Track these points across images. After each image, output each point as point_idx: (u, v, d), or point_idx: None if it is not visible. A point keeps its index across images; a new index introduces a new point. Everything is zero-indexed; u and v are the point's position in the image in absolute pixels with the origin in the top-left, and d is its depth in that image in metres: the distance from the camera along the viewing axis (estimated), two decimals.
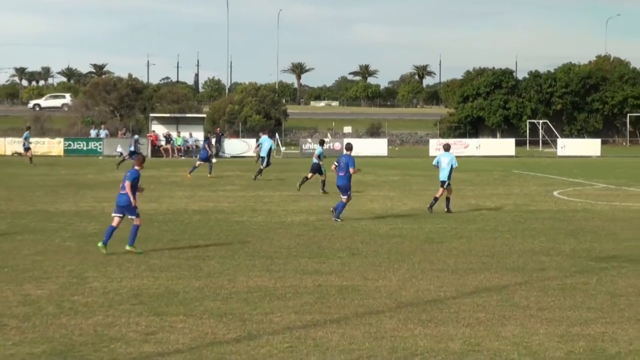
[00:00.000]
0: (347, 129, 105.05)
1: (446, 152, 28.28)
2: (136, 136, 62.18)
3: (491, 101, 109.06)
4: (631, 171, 52.84)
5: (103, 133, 77.23)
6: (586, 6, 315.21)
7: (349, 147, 26.59)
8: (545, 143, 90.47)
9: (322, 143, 39.45)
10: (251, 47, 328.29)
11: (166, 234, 22.39)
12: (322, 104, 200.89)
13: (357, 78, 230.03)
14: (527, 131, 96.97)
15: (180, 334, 11.97)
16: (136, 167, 20.03)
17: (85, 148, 73.99)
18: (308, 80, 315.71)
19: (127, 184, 19.44)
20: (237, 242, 20.88)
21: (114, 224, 19.25)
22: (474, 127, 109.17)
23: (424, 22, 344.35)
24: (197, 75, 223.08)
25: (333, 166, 26.33)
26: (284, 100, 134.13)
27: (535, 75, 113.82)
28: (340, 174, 25.59)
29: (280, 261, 18.00)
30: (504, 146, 77.92)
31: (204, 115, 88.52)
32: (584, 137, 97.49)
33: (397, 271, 16.88)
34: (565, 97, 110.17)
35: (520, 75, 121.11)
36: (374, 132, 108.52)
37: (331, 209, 25.75)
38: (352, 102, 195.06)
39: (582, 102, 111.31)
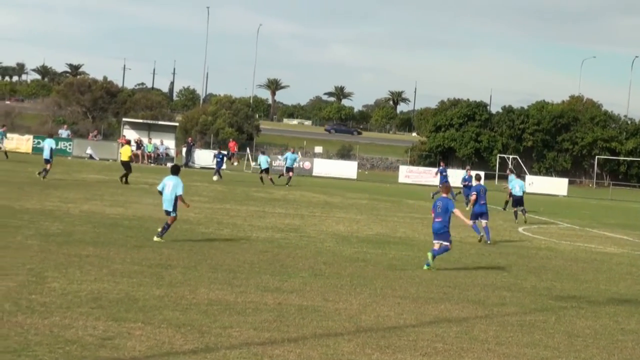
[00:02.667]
0: (318, 149, 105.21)
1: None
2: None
3: (463, 132, 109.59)
4: (596, 213, 53.23)
5: (65, 133, 76.71)
6: (563, 46, 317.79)
7: (478, 177, 23.83)
8: (501, 177, 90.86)
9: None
10: (228, 60, 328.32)
11: (130, 239, 22.25)
12: (295, 122, 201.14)
13: (332, 99, 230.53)
14: (497, 165, 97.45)
15: (137, 341, 11.89)
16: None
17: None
18: (283, 97, 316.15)
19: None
20: (201, 253, 20.80)
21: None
22: (444, 157, 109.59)
23: (402, 48, 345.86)
24: (172, 83, 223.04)
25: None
26: (257, 115, 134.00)
27: (508, 111, 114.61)
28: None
29: (243, 276, 17.94)
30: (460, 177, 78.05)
31: (177, 124, 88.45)
32: (552, 176, 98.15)
33: (359, 295, 16.86)
34: (537, 135, 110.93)
35: (494, 109, 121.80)
36: (344, 154, 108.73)
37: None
38: (324, 123, 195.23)
39: (553, 141, 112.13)
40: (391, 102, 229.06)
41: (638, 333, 15.40)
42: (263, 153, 56.53)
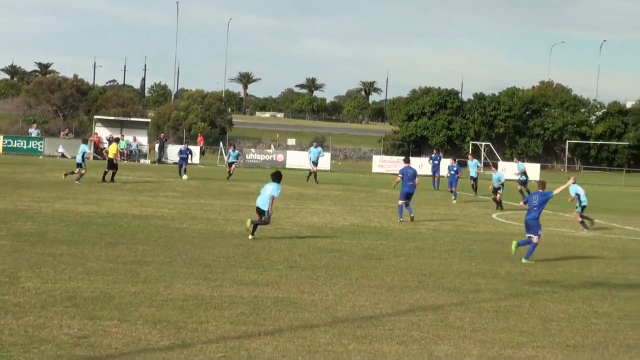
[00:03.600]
0: (292, 142, 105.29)
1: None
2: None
3: (436, 121, 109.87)
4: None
5: (35, 133, 76.38)
6: (532, 32, 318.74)
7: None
8: (486, 166, 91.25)
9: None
10: (200, 55, 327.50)
11: (105, 237, 22.19)
12: (267, 115, 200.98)
13: (304, 91, 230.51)
14: (470, 152, 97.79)
15: (113, 339, 11.87)
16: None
17: (25, 147, 73.09)
18: (255, 90, 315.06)
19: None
20: (176, 249, 20.77)
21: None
22: (417, 146, 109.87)
23: (373, 38, 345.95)
24: (144, 79, 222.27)
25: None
26: (229, 110, 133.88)
27: (480, 98, 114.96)
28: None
29: (218, 270, 17.94)
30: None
31: (149, 120, 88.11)
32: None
33: (334, 286, 16.90)
34: (509, 121, 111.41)
35: (466, 96, 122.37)
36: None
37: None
38: (297, 115, 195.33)
39: (524, 127, 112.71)
40: (363, 93, 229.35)
41: (611, 316, 15.53)
42: (234, 148, 55.66)
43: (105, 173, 43.09)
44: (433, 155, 55.99)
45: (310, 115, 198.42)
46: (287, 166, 74.66)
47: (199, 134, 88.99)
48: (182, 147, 55.51)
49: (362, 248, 23.07)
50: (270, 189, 23.97)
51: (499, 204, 39.44)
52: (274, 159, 76.82)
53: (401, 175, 31.85)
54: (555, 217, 37.21)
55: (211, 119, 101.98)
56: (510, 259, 22.46)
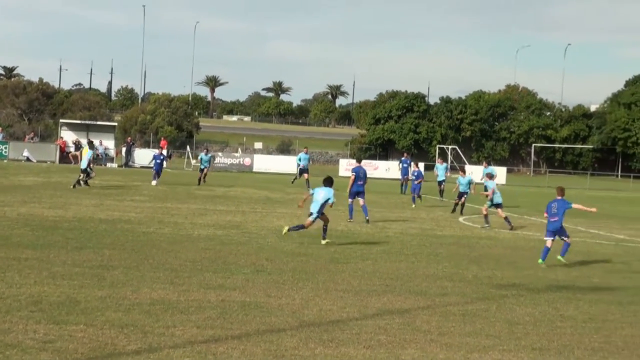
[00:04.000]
0: (258, 145, 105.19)
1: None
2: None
3: (402, 124, 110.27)
4: (534, 200, 53.79)
5: None
6: (498, 35, 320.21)
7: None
8: (453, 169, 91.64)
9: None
10: (166, 58, 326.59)
11: (71, 241, 22.07)
12: (234, 118, 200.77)
13: (270, 94, 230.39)
14: (437, 156, 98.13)
15: (79, 343, 11.81)
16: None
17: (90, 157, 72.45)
18: (222, 94, 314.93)
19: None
20: (143, 253, 20.70)
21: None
22: (384, 150, 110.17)
23: (339, 41, 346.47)
24: (110, 83, 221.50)
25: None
26: (196, 113, 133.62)
27: (446, 101, 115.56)
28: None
29: (185, 274, 17.90)
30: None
31: (115, 124, 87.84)
32: (490, 165, 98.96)
33: (301, 290, 16.91)
34: (475, 124, 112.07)
35: (432, 100, 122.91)
36: (284, 149, 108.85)
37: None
38: (264, 118, 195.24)
39: (491, 130, 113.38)
40: (330, 96, 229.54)
41: (576, 319, 15.63)
42: (207, 151, 54.88)
43: (79, 180, 43.03)
44: (402, 159, 55.93)
45: (276, 118, 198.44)
46: (254, 169, 74.64)
47: (162, 138, 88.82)
48: (155, 152, 53.53)
49: (328, 252, 23.09)
50: (322, 194, 24.91)
51: (457, 207, 38.90)
52: (241, 162, 76.75)
53: (354, 174, 32.80)
54: (522, 220, 37.40)
55: (178, 123, 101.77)
56: (477, 262, 22.57)
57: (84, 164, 42.78)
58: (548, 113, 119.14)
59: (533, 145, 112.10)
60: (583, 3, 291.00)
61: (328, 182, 25.42)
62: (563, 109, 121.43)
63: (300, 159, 54.34)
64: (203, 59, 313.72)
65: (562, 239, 23.40)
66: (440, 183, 47.77)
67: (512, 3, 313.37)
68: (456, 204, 38.94)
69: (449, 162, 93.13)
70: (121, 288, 15.93)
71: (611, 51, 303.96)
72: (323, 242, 24.50)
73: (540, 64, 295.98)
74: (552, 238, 23.33)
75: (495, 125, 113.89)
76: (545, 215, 23.86)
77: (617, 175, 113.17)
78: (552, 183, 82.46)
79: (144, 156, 73.44)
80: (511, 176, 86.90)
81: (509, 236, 30.19)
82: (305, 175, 52.42)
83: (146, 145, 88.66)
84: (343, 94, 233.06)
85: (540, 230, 32.76)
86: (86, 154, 43.52)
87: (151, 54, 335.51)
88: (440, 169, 48.62)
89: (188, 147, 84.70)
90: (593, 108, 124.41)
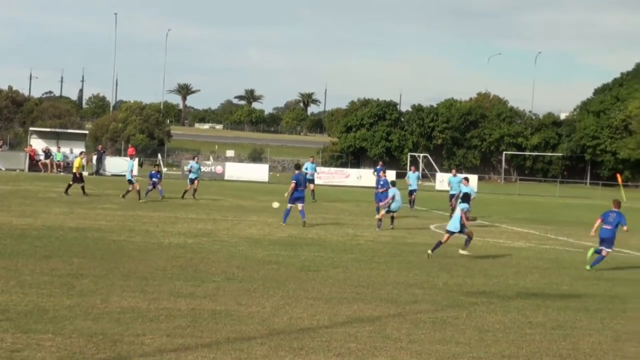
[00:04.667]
0: (230, 153, 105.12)
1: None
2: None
3: (374, 132, 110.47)
4: (504, 208, 54.02)
5: None
6: (470, 44, 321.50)
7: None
8: (425, 177, 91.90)
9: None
10: (138, 66, 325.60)
11: (39, 249, 21.95)
12: (206, 126, 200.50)
13: (242, 102, 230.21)
14: (408, 164, 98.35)
15: (47, 352, 11.75)
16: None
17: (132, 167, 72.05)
18: (193, 102, 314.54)
19: None
20: (113, 261, 20.62)
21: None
22: (356, 158, 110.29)
23: (311, 49, 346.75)
24: (81, 91, 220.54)
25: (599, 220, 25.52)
26: (168, 121, 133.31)
27: (418, 109, 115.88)
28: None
29: (155, 283, 17.85)
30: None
31: (86, 132, 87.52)
32: (462, 173, 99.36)
33: (271, 298, 16.90)
34: (446, 132, 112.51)
35: (404, 108, 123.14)
36: (256, 157, 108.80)
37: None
38: (236, 126, 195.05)
39: (462, 138, 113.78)
40: (302, 104, 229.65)
41: (545, 326, 15.70)
42: (197, 160, 51.70)
43: (69, 186, 43.00)
44: (377, 167, 55.55)
45: (248, 126, 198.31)
46: (226, 177, 74.50)
47: (130, 146, 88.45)
48: (152, 170, 47.55)
49: (299, 260, 23.09)
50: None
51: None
52: (213, 170, 76.58)
53: (295, 181, 33.59)
54: (492, 227, 37.55)
55: (149, 130, 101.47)
56: (448, 270, 22.63)
57: (128, 175, 43.94)
58: (519, 121, 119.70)
59: (504, 153, 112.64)
60: (553, 12, 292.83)
61: (465, 198, 26.90)
62: (533, 117, 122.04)
63: (307, 168, 50.81)
64: (175, 67, 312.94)
65: (601, 248, 24.90)
66: (411, 192, 47.00)
67: (483, 12, 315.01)
68: (453, 208, 37.98)
69: (421, 169, 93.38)
70: (90, 297, 15.86)
71: (581, 59, 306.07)
72: (460, 251, 26.28)
73: (512, 72, 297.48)
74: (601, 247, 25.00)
75: (467, 133, 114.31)
76: (600, 221, 25.36)
77: (586, 183, 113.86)
78: (522, 191, 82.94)
79: (115, 164, 73.10)
80: (482, 184, 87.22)
81: (479, 244, 30.26)
82: (312, 186, 49.64)
83: (117, 153, 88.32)
84: (315, 102, 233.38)
85: (510, 238, 32.96)
86: (127, 164, 45.11)
87: (123, 62, 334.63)
88: (412, 177, 48.06)
89: (159, 155, 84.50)
90: (563, 116, 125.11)
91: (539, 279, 22.15)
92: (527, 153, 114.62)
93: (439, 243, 25.58)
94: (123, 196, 42.25)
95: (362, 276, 20.67)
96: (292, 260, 22.81)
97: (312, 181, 50.35)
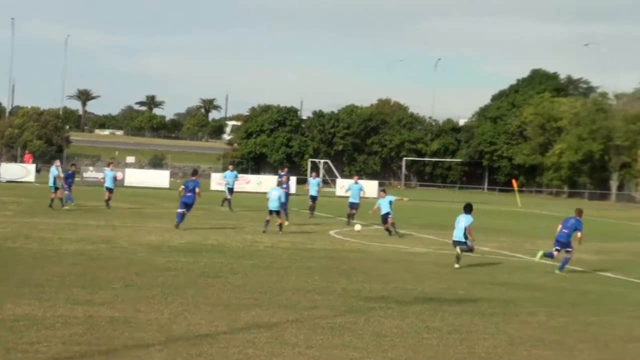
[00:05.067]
0: (130, 159, 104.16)
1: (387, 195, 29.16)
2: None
3: (275, 138, 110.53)
4: (404, 214, 54.48)
5: None
6: (371, 50, 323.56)
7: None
8: (325, 182, 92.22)
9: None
10: (36, 71, 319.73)
11: None
12: (106, 132, 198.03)
13: (143, 108, 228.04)
14: (309, 170, 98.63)
15: None
16: None
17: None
18: (94, 107, 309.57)
19: None
20: (7, 268, 20.30)
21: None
22: (256, 163, 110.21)
23: (213, 56, 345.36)
24: None
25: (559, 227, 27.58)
26: (67, 127, 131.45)
27: (319, 115, 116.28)
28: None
29: (52, 290, 17.62)
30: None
31: None
32: (362, 179, 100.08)
33: (170, 304, 16.82)
34: (347, 138, 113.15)
35: (305, 114, 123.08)
36: (156, 163, 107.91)
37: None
38: (137, 132, 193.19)
39: (363, 144, 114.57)
40: (203, 110, 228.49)
41: (441, 330, 15.94)
42: (232, 167, 51.29)
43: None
44: (281, 173, 55.37)
45: (149, 132, 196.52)
46: (126, 184, 73.71)
47: (27, 152, 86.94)
48: (69, 170, 46.11)
49: (198, 266, 23.02)
50: (463, 221, 26.93)
51: (391, 228, 36.74)
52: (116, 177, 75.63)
53: (184, 187, 34.86)
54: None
55: (47, 136, 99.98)
56: (347, 275, 22.79)
57: (110, 184, 44.33)
58: (419, 127, 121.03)
59: (404, 159, 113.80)
60: (454, 19, 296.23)
61: (468, 209, 27.89)
62: (433, 123, 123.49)
63: (225, 177, 50.69)
64: (75, 73, 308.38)
65: (567, 251, 26.83)
66: (312, 198, 46.58)
67: (384, 18, 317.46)
68: (387, 229, 36.67)
69: (321, 175, 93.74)
70: None
71: (479, 66, 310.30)
72: (457, 266, 26.41)
73: (413, 78, 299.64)
74: (558, 249, 26.92)
75: (367, 140, 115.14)
76: (560, 226, 27.36)
77: (484, 188, 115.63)
78: (422, 196, 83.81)
79: (11, 171, 71.78)
80: None
81: (379, 249, 30.56)
82: (311, 203, 47.00)
83: (13, 159, 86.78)
84: (216, 107, 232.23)
85: (409, 244, 33.33)
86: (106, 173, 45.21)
87: (20, 67, 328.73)
88: (312, 183, 47.85)
89: (58, 161, 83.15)
90: (462, 122, 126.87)
91: (437, 284, 22.45)
92: (427, 159, 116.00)
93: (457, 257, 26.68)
94: (51, 205, 41.28)
95: (261, 282, 20.70)
96: (191, 267, 22.73)
97: (231, 190, 48.80)
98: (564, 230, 27.08)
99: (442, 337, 15.37)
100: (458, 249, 26.63)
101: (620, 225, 54.03)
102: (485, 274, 25.30)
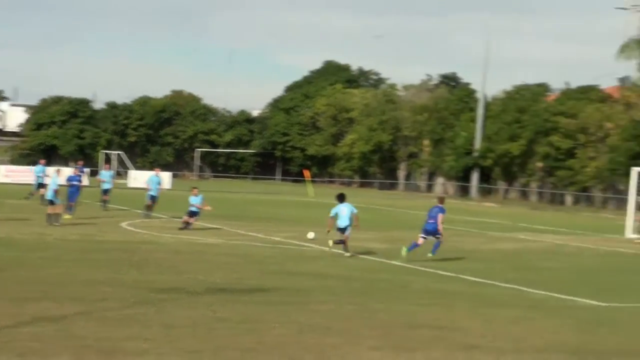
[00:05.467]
0: None
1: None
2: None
3: (66, 130, 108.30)
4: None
5: None
6: (165, 41, 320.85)
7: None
8: (119, 174, 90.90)
9: None
10: None
11: None
12: None
13: None
14: (102, 161, 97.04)
15: None
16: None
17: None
18: None
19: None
20: None
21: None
22: (47, 156, 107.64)
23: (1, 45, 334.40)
24: None
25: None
26: None
27: (112, 107, 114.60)
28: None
29: None
30: (67, 176, 76.91)
31: None
32: (157, 169, 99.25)
33: None
34: (140, 130, 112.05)
35: (99, 105, 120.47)
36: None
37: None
38: None
39: (156, 135, 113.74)
40: None
41: (232, 320, 16.03)
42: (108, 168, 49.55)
43: None
44: (78, 166, 53.94)
45: None
46: None
47: None
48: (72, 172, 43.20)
49: None
50: (345, 211, 28.51)
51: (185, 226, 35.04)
52: None
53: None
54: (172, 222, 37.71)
55: None
56: (138, 267, 22.63)
57: (107, 185, 44.67)
58: (213, 118, 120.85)
59: (197, 150, 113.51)
60: (244, 11, 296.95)
61: (341, 197, 28.96)
62: (227, 114, 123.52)
63: (151, 182, 43.36)
64: None
65: (436, 237, 28.18)
66: (105, 191, 45.11)
67: (178, 10, 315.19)
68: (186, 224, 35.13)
69: (115, 167, 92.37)
70: None
71: (273, 58, 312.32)
72: (346, 254, 28.16)
73: (207, 70, 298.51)
74: (425, 236, 28.31)
75: (161, 131, 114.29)
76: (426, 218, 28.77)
77: (277, 179, 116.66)
78: (216, 187, 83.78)
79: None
80: (177, 181, 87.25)
81: (171, 241, 30.44)
82: (105, 197, 45.12)
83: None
84: (4, 99, 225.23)
85: (203, 235, 33.34)
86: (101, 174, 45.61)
87: None
88: (105, 175, 46.54)
89: None
90: (255, 113, 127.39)
91: (229, 274, 22.57)
92: (220, 150, 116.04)
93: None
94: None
95: (49, 275, 20.33)
96: None
97: (154, 196, 41.69)
98: (430, 221, 28.46)
99: (232, 327, 15.46)
100: (340, 236, 28.51)
101: (407, 214, 55.64)
102: (276, 264, 25.59)
